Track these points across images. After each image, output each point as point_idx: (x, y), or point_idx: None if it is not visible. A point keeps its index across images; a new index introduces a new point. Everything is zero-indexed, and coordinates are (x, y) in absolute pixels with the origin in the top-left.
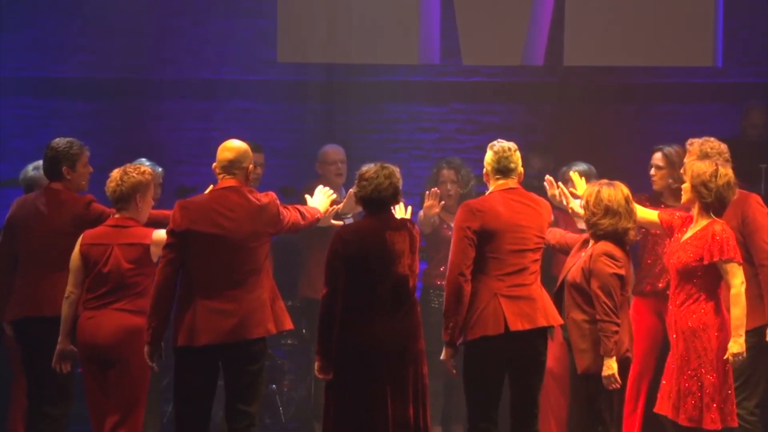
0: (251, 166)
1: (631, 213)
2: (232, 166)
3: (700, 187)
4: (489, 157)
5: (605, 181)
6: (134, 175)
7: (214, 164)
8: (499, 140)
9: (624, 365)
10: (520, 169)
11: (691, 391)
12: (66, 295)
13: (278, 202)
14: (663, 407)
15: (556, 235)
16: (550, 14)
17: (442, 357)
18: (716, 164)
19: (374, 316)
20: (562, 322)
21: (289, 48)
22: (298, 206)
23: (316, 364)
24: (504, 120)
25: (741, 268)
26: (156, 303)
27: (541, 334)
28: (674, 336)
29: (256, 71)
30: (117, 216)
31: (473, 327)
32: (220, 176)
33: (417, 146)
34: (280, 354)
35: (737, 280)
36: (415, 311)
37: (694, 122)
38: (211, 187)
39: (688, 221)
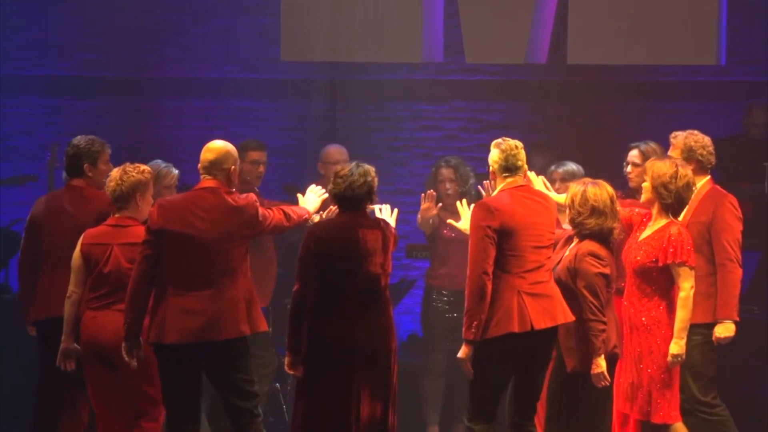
0: (234, 167)
1: (615, 213)
2: (212, 167)
3: (660, 188)
4: (496, 155)
5: (590, 180)
6: (134, 174)
7: (198, 165)
8: (504, 138)
9: (612, 361)
10: (526, 166)
11: (642, 385)
12: (68, 295)
13: (257, 204)
14: (620, 404)
15: None
16: (554, 12)
17: (460, 355)
18: (677, 165)
19: (344, 313)
20: (574, 318)
21: (292, 46)
22: (284, 207)
23: (286, 360)
24: (507, 118)
25: (692, 272)
26: (131, 298)
27: (556, 331)
28: (628, 332)
29: (258, 69)
30: (117, 215)
31: (498, 324)
32: (202, 176)
33: (419, 145)
34: (283, 352)
35: (687, 283)
36: (387, 310)
37: (697, 120)
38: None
39: (647, 218)
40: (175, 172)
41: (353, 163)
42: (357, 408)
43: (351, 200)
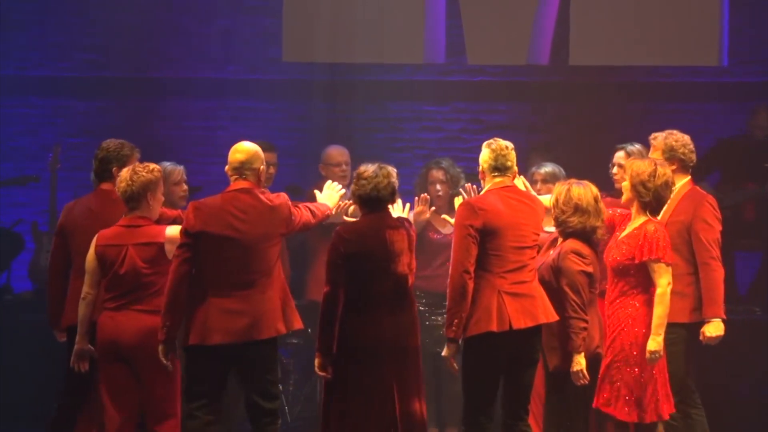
0: (263, 167)
1: (599, 212)
2: (243, 167)
3: (639, 186)
4: (486, 154)
5: (574, 180)
6: (144, 174)
7: (227, 167)
8: (496, 138)
9: (594, 362)
10: (516, 168)
11: (612, 380)
12: (82, 296)
13: (290, 202)
14: (596, 399)
15: None
16: (556, 13)
17: (444, 353)
18: (655, 164)
19: (375, 313)
20: (558, 318)
21: (294, 47)
22: (308, 204)
23: (317, 361)
24: (509, 119)
25: (669, 268)
26: (170, 301)
27: (539, 330)
28: (606, 330)
29: (260, 70)
30: (129, 216)
31: (477, 323)
32: (232, 178)
33: (421, 145)
34: (286, 353)
35: (663, 280)
36: (413, 308)
37: (699, 121)
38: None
39: (628, 219)
40: (181, 167)
41: (376, 165)
42: (396, 405)
43: (376, 201)
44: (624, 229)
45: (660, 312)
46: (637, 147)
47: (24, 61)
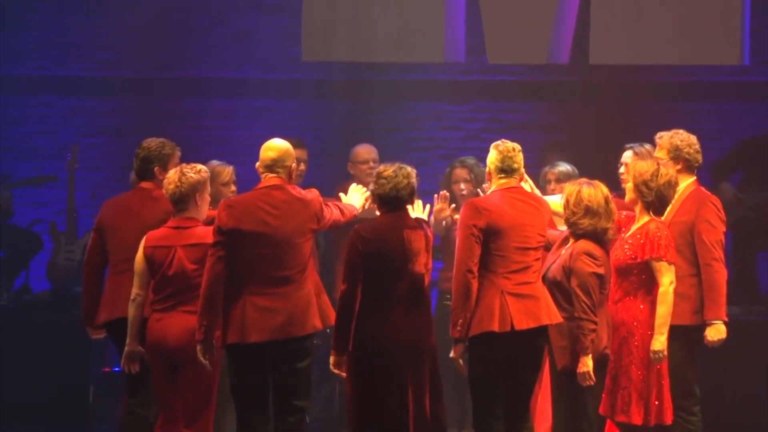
0: (294, 164)
1: (610, 213)
2: (275, 164)
3: (641, 186)
4: (493, 156)
5: (585, 180)
6: (192, 174)
7: (258, 164)
8: (503, 140)
9: (601, 363)
10: (522, 169)
11: (622, 386)
12: (132, 297)
13: (321, 198)
14: (603, 407)
15: None
16: (576, 12)
17: (451, 354)
18: (658, 164)
19: (393, 312)
20: (562, 320)
21: (313, 46)
22: (338, 203)
23: (332, 359)
24: (529, 119)
25: (671, 267)
26: (207, 300)
27: (543, 332)
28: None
29: (279, 70)
30: (177, 217)
31: (480, 322)
32: (264, 175)
33: (441, 145)
34: None
35: (666, 279)
36: (429, 308)
37: (720, 121)
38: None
39: (632, 220)
40: (230, 168)
41: (395, 165)
42: (409, 404)
43: (395, 201)
44: (629, 229)
45: (663, 311)
46: (646, 147)
47: (42, 61)
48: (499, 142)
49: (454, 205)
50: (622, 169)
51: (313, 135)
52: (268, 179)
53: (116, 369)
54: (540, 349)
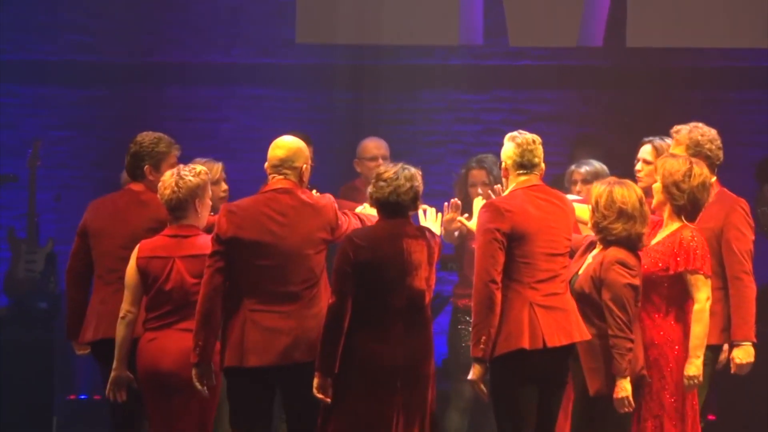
0: (306, 165)
1: (645, 216)
2: (283, 165)
3: (672, 188)
4: (510, 149)
5: (615, 179)
6: (190, 178)
7: (266, 164)
8: (521, 131)
9: (638, 385)
10: (543, 164)
11: (653, 414)
12: (122, 315)
13: (336, 205)
14: None
15: None
16: None
17: (471, 376)
18: (691, 162)
19: (387, 332)
20: (591, 337)
21: (310, 27)
22: (358, 213)
23: (315, 382)
24: (556, 109)
25: (708, 282)
26: (203, 318)
27: (571, 349)
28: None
29: (272, 53)
30: (175, 225)
31: (507, 339)
32: (271, 177)
33: (456, 139)
34: None
35: (702, 294)
36: (429, 329)
37: None
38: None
39: (658, 225)
40: (219, 164)
41: (398, 166)
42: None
43: (395, 206)
44: (654, 236)
45: (699, 331)
46: (667, 141)
47: (2, 44)
48: (515, 133)
49: (467, 215)
50: (638, 166)
51: (311, 128)
52: (276, 181)
53: (83, 396)
54: (566, 368)
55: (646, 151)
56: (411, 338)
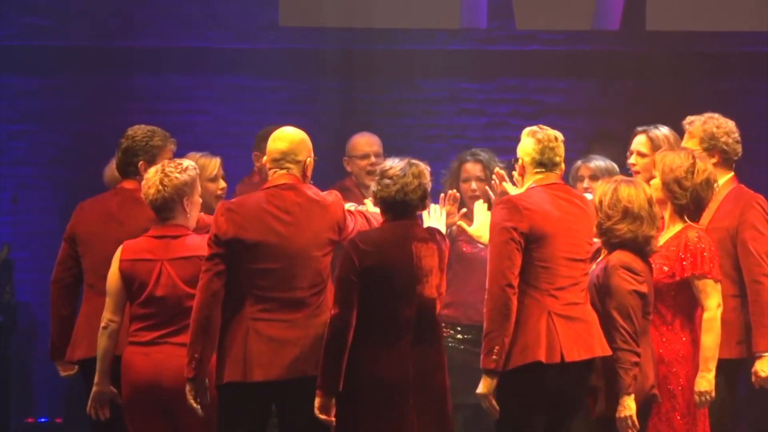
0: (310, 159)
1: (654, 218)
2: (284, 158)
3: (673, 185)
4: (530, 146)
5: (622, 177)
6: (176, 175)
7: (265, 158)
8: (541, 126)
9: (646, 406)
10: (564, 164)
11: None
12: (104, 324)
13: (343, 203)
14: None
15: None
16: None
17: (480, 390)
18: (693, 156)
19: (396, 344)
20: (611, 352)
21: (294, 8)
22: (364, 211)
23: (317, 402)
24: (569, 100)
25: (718, 286)
26: (200, 327)
27: (591, 364)
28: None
29: (252, 38)
30: (162, 225)
31: (523, 351)
32: (272, 172)
33: (459, 134)
34: None
35: (712, 301)
36: (441, 340)
37: None
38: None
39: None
40: (216, 159)
41: (405, 161)
42: None
43: (402, 206)
44: (656, 239)
45: (710, 341)
46: (663, 131)
47: None
48: (536, 128)
49: (465, 210)
50: (632, 159)
51: (296, 121)
52: (278, 176)
53: (42, 420)
54: (585, 385)
55: (640, 143)
56: (422, 351)
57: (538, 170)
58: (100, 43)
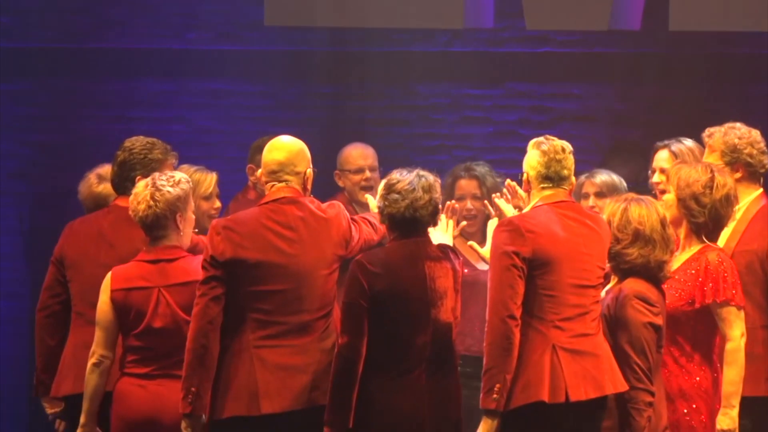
0: (310, 170)
1: (668, 241)
2: (283, 170)
3: (690, 202)
4: (535, 158)
5: (633, 195)
6: (169, 189)
7: (260, 171)
8: (548, 137)
9: None
10: (574, 178)
11: None
12: (95, 360)
13: (347, 213)
14: None
15: None
16: None
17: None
18: (712, 170)
19: (410, 375)
20: (628, 388)
21: (281, 6)
22: (366, 216)
23: None
24: (586, 107)
25: (741, 314)
26: (197, 359)
27: (602, 402)
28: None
29: (234, 38)
30: (154, 247)
31: (525, 389)
32: (269, 185)
33: (462, 144)
34: None
35: (736, 330)
36: (456, 370)
37: None
38: None
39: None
40: (213, 174)
41: (414, 173)
42: None
43: (412, 224)
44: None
45: (733, 375)
46: (687, 144)
47: None
48: (541, 139)
49: (464, 223)
50: (656, 177)
51: (282, 129)
52: (276, 190)
53: None
54: (597, 427)
55: (663, 159)
56: (437, 382)
57: (545, 185)
58: (65, 44)
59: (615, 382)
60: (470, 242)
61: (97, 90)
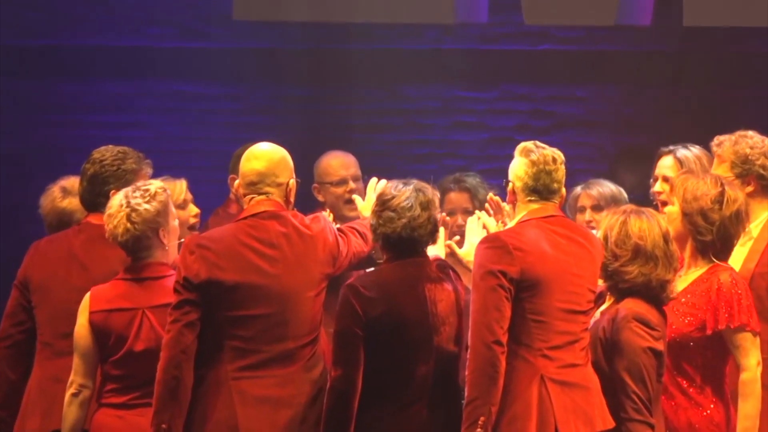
0: (293, 180)
1: (671, 258)
2: (263, 181)
3: (697, 218)
4: (522, 168)
5: (632, 207)
6: (146, 206)
7: (237, 182)
8: (538, 143)
9: None
10: (564, 190)
11: None
12: (73, 391)
13: (332, 226)
14: None
15: None
16: None
17: None
18: (722, 183)
19: (408, 408)
20: (613, 425)
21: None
22: (354, 225)
23: None
24: (590, 110)
25: (757, 340)
26: (169, 392)
27: None
28: None
29: (200, 35)
30: (135, 265)
31: (511, 423)
32: (247, 198)
33: (454, 152)
34: None
35: (752, 359)
36: (460, 401)
37: None
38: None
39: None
40: (182, 181)
41: (410, 186)
42: None
43: (410, 244)
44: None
45: (749, 409)
46: (694, 151)
47: None
48: (531, 145)
49: (458, 237)
50: (657, 186)
51: (256, 136)
52: (256, 203)
53: None
54: None
55: (666, 166)
56: (439, 416)
57: (532, 198)
58: (15, 42)
59: (604, 419)
60: (448, 241)
61: (50, 92)
